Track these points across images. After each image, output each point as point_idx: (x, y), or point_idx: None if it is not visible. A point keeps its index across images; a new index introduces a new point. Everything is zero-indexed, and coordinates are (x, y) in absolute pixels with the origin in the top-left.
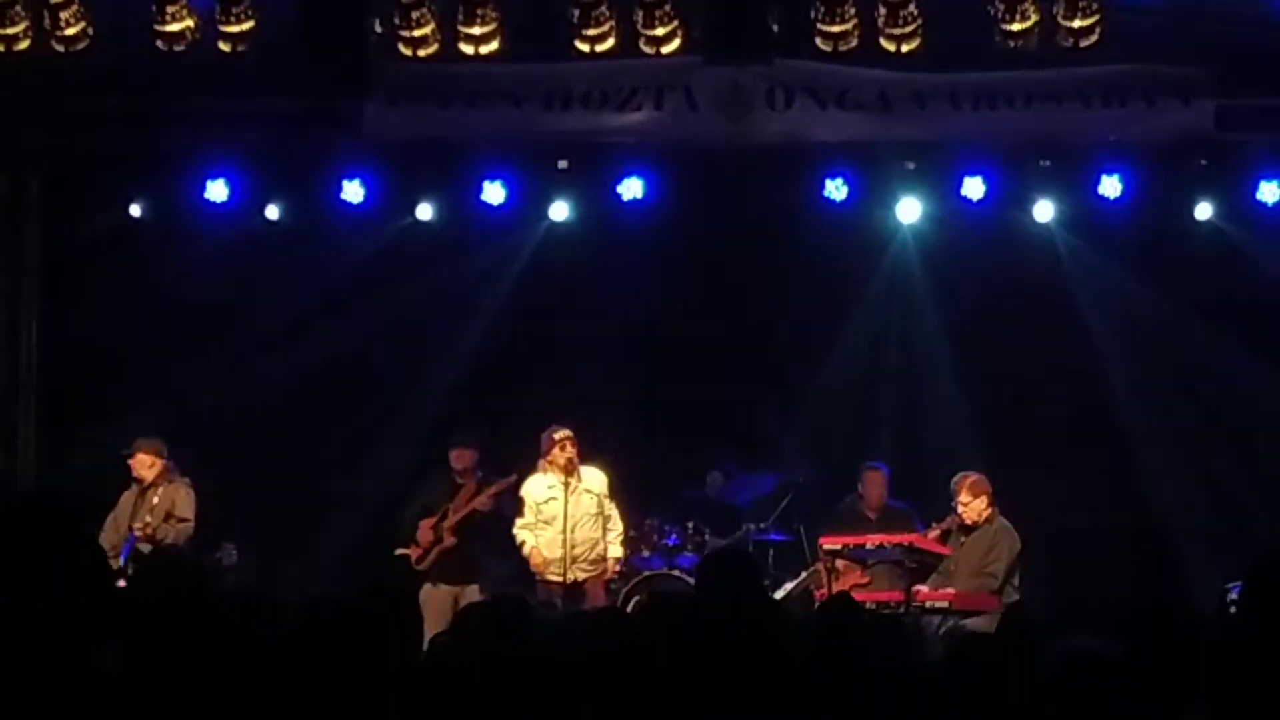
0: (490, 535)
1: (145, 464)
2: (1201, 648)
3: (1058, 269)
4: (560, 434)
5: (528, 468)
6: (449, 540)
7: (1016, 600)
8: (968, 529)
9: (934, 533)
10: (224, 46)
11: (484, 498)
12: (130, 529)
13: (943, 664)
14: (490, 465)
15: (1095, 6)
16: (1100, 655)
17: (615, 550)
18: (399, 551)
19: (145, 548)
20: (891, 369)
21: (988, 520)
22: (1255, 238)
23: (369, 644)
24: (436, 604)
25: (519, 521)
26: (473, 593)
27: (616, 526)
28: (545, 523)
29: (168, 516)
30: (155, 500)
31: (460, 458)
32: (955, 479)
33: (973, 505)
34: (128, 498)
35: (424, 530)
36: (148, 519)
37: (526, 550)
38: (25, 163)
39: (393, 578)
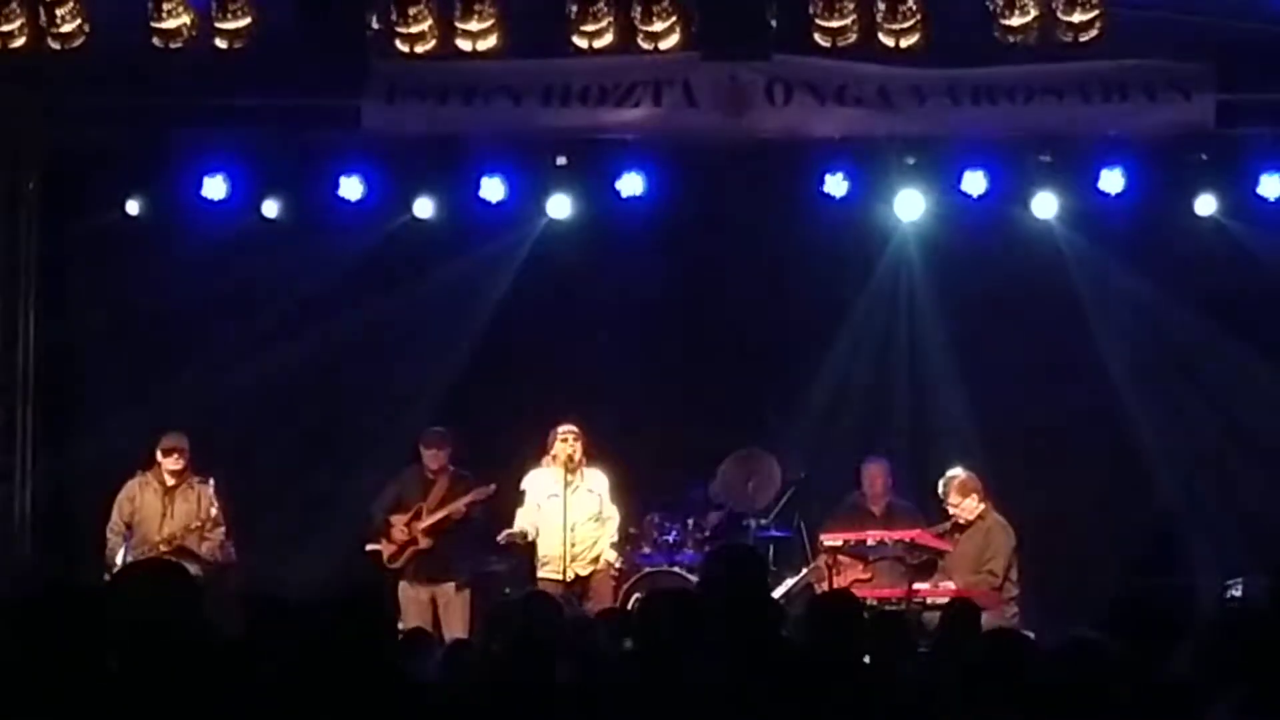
0: (472, 534)
1: (179, 464)
2: (1209, 645)
3: (1058, 264)
4: (563, 428)
5: (527, 465)
6: (424, 543)
7: (1013, 595)
8: (962, 527)
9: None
10: (221, 43)
11: (461, 506)
12: (161, 532)
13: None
14: (475, 461)
15: (1095, 1)
16: (1102, 647)
17: (609, 554)
18: (370, 547)
19: (212, 550)
20: (892, 365)
21: (980, 517)
22: (1256, 232)
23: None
24: (415, 602)
25: (520, 512)
26: (449, 590)
27: (611, 530)
28: (546, 520)
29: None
30: (197, 503)
31: (434, 457)
32: (942, 481)
33: (964, 505)
34: (150, 498)
35: (398, 528)
36: (198, 521)
37: (530, 538)
38: (22, 159)
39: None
